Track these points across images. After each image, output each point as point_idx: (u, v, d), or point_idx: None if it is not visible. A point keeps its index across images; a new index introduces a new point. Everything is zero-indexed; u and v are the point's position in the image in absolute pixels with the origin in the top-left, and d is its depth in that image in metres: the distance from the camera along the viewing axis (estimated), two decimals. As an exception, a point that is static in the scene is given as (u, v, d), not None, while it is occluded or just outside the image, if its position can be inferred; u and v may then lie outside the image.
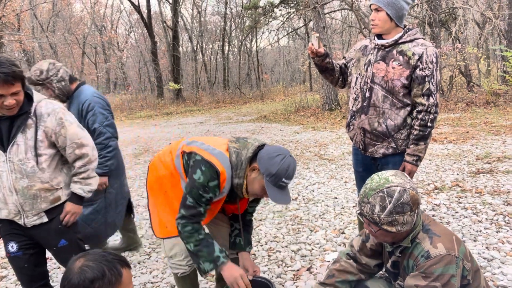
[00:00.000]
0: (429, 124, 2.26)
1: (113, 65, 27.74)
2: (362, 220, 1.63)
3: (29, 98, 1.93)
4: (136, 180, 5.98)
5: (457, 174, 5.02)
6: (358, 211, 1.61)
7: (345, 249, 1.96)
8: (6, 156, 1.89)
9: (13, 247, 2.04)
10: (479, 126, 8.17)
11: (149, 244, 3.65)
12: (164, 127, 12.84)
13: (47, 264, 2.31)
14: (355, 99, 2.47)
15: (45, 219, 2.01)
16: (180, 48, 25.35)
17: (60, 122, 1.98)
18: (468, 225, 3.45)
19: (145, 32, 25.17)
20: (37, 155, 1.93)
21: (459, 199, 4.10)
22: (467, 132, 7.67)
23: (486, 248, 3.01)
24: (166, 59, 26.58)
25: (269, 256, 3.23)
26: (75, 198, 2.08)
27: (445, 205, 3.97)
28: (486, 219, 3.54)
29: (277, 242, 3.49)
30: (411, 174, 2.33)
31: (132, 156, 7.93)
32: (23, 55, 22.76)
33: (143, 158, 7.70)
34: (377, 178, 1.56)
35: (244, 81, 28.47)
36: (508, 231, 3.27)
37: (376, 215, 1.49)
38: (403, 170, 2.33)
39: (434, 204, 4.03)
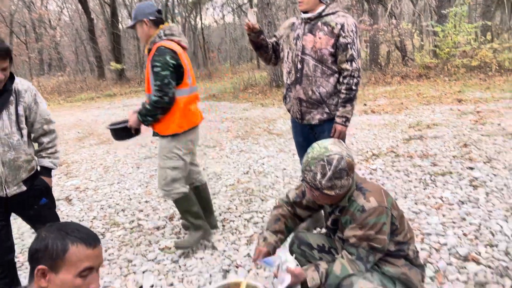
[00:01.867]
0: (353, 87, 2.55)
1: (46, 45, 25.75)
2: (305, 186, 1.82)
3: (10, 76, 2.04)
4: (83, 164, 5.83)
5: (392, 141, 5.48)
6: (301, 178, 1.80)
7: (283, 197, 2.16)
8: None
9: None
10: (412, 98, 8.84)
11: (102, 224, 3.66)
12: (108, 110, 12.37)
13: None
14: (289, 72, 2.70)
15: (24, 188, 2.16)
16: (120, 26, 24.07)
17: (34, 99, 2.15)
18: (400, 185, 3.85)
19: (80, 8, 23.54)
20: (20, 129, 2.09)
21: (393, 163, 4.52)
22: (402, 103, 8.28)
23: (415, 203, 3.41)
24: (105, 37, 25.17)
25: (223, 226, 3.40)
26: (45, 171, 2.27)
27: (381, 169, 4.37)
28: (415, 179, 3.96)
29: (231, 213, 3.66)
30: (341, 134, 2.60)
31: (76, 140, 7.64)
32: None
33: (88, 141, 7.46)
34: (318, 147, 1.74)
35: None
36: (433, 187, 3.70)
37: (317, 182, 1.68)
38: (335, 131, 2.58)
39: (372, 168, 4.42)
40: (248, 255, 2.87)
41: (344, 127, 2.62)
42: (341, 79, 2.59)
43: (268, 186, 4.22)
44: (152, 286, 2.62)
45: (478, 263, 2.46)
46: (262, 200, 3.87)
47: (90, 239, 1.26)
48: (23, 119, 2.09)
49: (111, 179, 5.01)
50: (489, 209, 3.15)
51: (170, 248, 3.10)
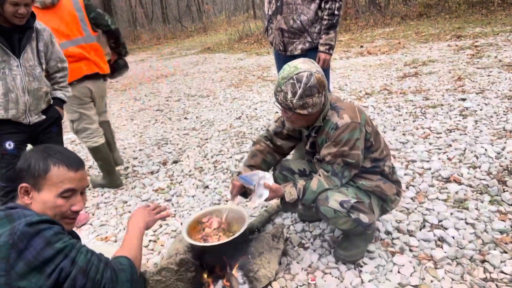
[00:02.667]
0: (336, 12, 2.50)
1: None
2: (279, 109, 1.82)
3: (32, 15, 2.20)
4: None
5: (386, 80, 5.42)
6: (274, 101, 1.80)
7: (262, 133, 2.19)
8: (19, 61, 2.18)
9: (10, 145, 2.34)
10: (410, 37, 8.60)
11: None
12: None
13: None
14: (269, 2, 2.63)
15: (43, 117, 2.42)
16: (109, -18, 23.07)
17: (50, 39, 2.38)
18: (390, 119, 3.85)
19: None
20: (40, 64, 2.32)
21: (385, 100, 4.50)
22: (399, 43, 8.08)
23: (403, 134, 3.43)
24: (95, -5, 24.23)
25: (215, 167, 3.47)
26: (59, 102, 2.52)
27: (372, 106, 4.36)
28: (406, 112, 3.96)
29: (222, 154, 3.73)
30: (325, 63, 2.57)
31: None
32: None
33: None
34: (288, 68, 1.72)
35: (185, 13, 27.04)
36: (423, 119, 3.71)
37: (289, 101, 1.68)
38: (319, 61, 2.55)
39: (364, 106, 4.41)
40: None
41: (328, 55, 2.59)
42: (322, 5, 2.52)
43: (260, 129, 4.25)
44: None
45: (459, 183, 2.52)
46: (254, 142, 3.91)
47: (73, 162, 1.29)
48: (42, 54, 2.32)
49: (106, 131, 5.05)
50: (476, 135, 3.17)
51: (163, 189, 3.19)
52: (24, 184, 1.25)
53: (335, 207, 1.73)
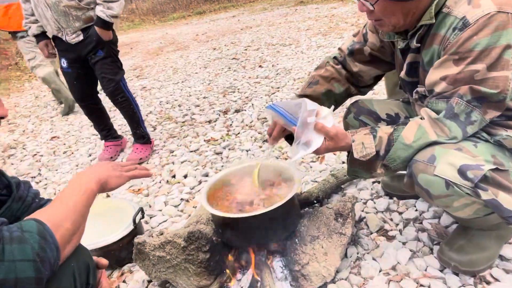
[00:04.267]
0: None
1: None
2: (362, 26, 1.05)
3: None
4: (155, 67, 5.63)
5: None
6: None
7: (332, 53, 1.42)
8: None
9: (64, 63, 2.36)
10: None
11: (156, 118, 3.36)
12: (196, 25, 12.13)
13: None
14: None
15: (82, 37, 2.25)
16: None
17: None
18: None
19: None
20: None
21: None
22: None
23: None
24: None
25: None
26: (100, 22, 2.19)
27: None
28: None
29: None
30: None
31: (157, 49, 7.51)
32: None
33: (166, 49, 7.27)
34: None
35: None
36: None
37: None
38: None
39: None
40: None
41: None
42: None
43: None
44: (186, 176, 2.22)
45: None
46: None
47: None
48: None
49: (177, 79, 4.69)
50: None
51: (216, 140, 2.64)
52: None
53: (448, 177, 0.93)
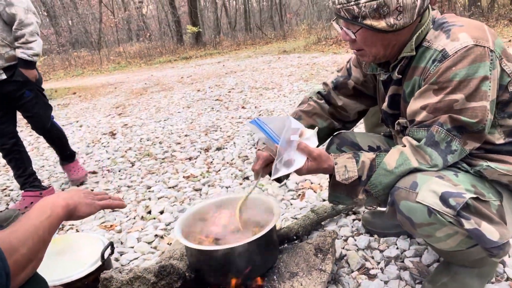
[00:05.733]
0: None
1: (133, 15, 27.01)
2: (337, 28, 1.08)
3: None
4: (138, 106, 5.63)
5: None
6: (333, 19, 1.07)
7: (317, 87, 1.44)
8: None
9: None
10: (525, 36, 7.10)
11: (135, 154, 3.29)
12: (181, 69, 12.39)
13: None
14: None
15: (4, 76, 2.24)
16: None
17: None
18: None
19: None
20: None
21: None
22: (509, 41, 6.66)
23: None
24: (185, 3, 25.47)
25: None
26: (22, 63, 2.24)
27: None
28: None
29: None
30: None
31: (141, 89, 7.56)
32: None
33: (150, 90, 7.33)
34: None
35: (266, 22, 27.10)
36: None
37: (353, 2, 0.94)
38: None
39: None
40: (285, 184, 2.24)
41: None
42: None
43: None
44: (162, 212, 2.13)
45: None
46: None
47: None
48: None
49: (159, 117, 4.68)
50: None
51: (196, 176, 2.59)
52: None
53: (430, 204, 0.92)
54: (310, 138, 1.06)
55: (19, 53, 2.21)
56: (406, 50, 1.02)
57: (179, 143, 3.46)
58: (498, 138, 1.00)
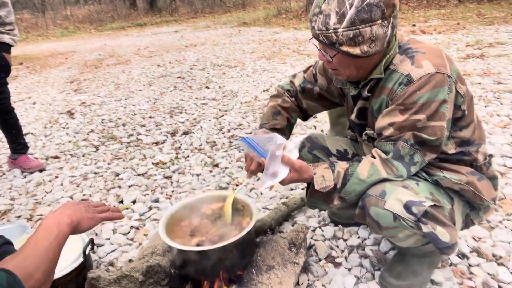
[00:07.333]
0: None
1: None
2: (315, 45, 1.16)
3: None
4: (95, 81, 5.41)
5: (445, 60, 4.56)
6: (310, 39, 1.15)
7: (284, 83, 1.52)
8: None
9: None
10: (471, 19, 7.53)
11: (98, 138, 3.24)
12: (136, 37, 11.84)
13: None
14: None
15: None
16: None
17: None
18: (453, 102, 3.08)
19: None
20: None
21: (445, 81, 3.69)
22: (458, 23, 7.05)
23: (472, 122, 2.67)
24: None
25: (230, 142, 2.87)
26: (6, 47, 2.34)
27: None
28: (474, 96, 3.16)
29: (241, 129, 3.11)
30: None
31: (95, 61, 7.21)
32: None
33: (106, 62, 7.01)
34: None
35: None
36: (498, 105, 2.92)
37: (331, 30, 1.03)
38: None
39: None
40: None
41: None
42: None
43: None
44: (134, 201, 2.17)
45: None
46: (281, 117, 3.26)
47: None
48: None
49: (119, 95, 4.56)
50: None
51: (165, 163, 2.62)
52: None
53: (396, 211, 1.07)
54: (292, 151, 1.17)
55: (7, 38, 2.32)
56: (376, 73, 1.14)
57: (144, 125, 3.44)
58: (450, 148, 1.17)
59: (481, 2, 10.01)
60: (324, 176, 1.14)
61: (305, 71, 1.46)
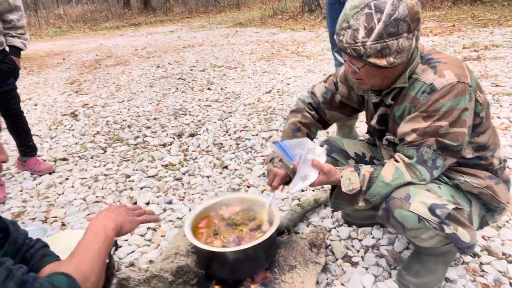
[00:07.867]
0: None
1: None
2: (339, 58, 1.23)
3: None
4: (95, 83, 5.41)
5: (443, 62, 4.65)
6: (335, 49, 1.20)
7: (305, 96, 1.58)
8: None
9: None
10: (465, 21, 7.66)
11: (104, 140, 3.26)
12: (131, 37, 11.81)
13: None
14: None
15: None
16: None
17: None
18: (454, 104, 3.16)
19: None
20: None
21: (444, 84, 3.78)
22: (453, 25, 7.18)
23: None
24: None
25: (237, 144, 2.92)
26: (16, 51, 2.36)
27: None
28: (473, 99, 3.25)
29: (247, 131, 3.16)
30: None
31: (93, 62, 7.20)
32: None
33: (104, 63, 7.01)
34: None
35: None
36: (497, 107, 3.00)
37: (360, 43, 1.08)
38: None
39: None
40: (263, 174, 2.40)
41: None
42: None
43: (293, 105, 3.64)
44: (148, 203, 2.21)
45: None
46: (285, 119, 3.31)
47: None
48: None
49: (121, 97, 4.57)
50: None
51: (174, 165, 2.66)
52: None
53: (421, 213, 1.13)
54: (320, 155, 1.23)
55: (18, 42, 2.35)
56: (400, 82, 1.19)
57: (149, 127, 3.47)
58: (468, 153, 1.23)
59: (474, 3, 10.18)
60: (350, 179, 1.20)
61: (325, 81, 1.52)
